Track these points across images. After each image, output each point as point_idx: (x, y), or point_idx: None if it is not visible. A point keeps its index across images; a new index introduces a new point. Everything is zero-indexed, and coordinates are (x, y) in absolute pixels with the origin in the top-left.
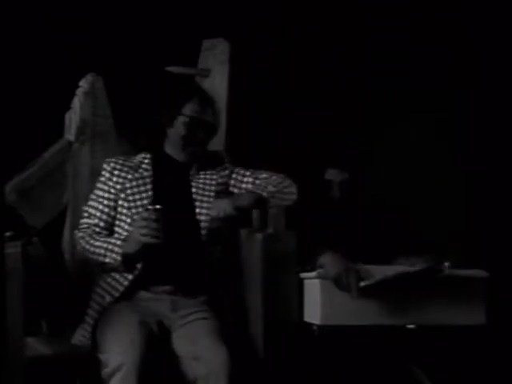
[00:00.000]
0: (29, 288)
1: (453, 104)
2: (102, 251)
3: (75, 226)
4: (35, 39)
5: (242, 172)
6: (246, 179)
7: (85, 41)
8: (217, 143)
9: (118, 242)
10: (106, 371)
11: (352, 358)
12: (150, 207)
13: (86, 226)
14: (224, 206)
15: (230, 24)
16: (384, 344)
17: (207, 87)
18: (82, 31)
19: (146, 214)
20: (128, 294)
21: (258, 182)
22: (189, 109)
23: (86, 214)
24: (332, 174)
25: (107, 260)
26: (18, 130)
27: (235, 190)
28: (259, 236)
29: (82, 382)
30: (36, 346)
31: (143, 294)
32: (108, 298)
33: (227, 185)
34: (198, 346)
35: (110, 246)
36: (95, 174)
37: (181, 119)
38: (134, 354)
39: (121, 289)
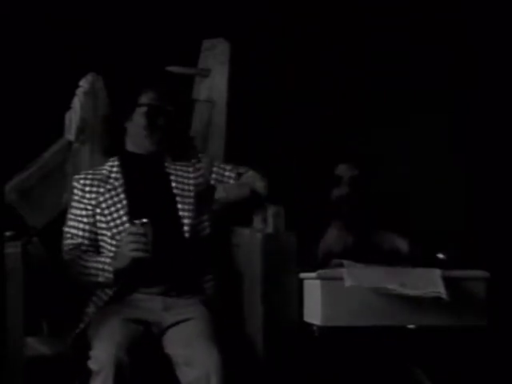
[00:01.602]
0: (29, 288)
1: (453, 104)
2: (94, 272)
3: None
4: (35, 39)
5: (222, 166)
6: (227, 173)
7: (85, 41)
8: (217, 143)
9: (107, 261)
10: (91, 367)
11: (352, 358)
12: (136, 221)
13: (71, 247)
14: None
15: (230, 24)
16: (384, 344)
17: (207, 87)
18: (82, 31)
19: (133, 229)
20: (119, 296)
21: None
22: (145, 98)
23: (68, 235)
24: (342, 170)
25: (100, 279)
26: (18, 130)
27: (217, 184)
28: (259, 236)
29: (82, 382)
30: (36, 346)
31: (134, 295)
32: (98, 302)
33: (206, 178)
34: (189, 348)
35: (100, 266)
36: None
37: (139, 110)
38: (110, 354)
39: (107, 295)
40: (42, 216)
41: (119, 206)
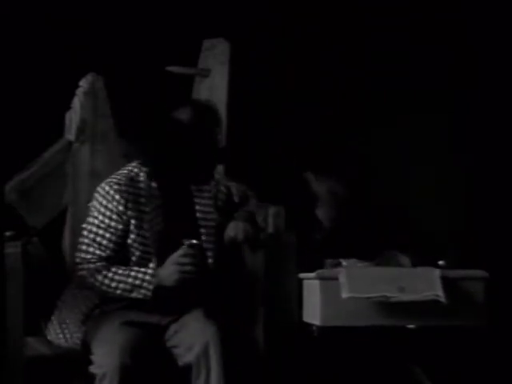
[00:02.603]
0: (29, 288)
1: (453, 104)
2: (129, 287)
3: (75, 226)
4: (35, 39)
5: (228, 185)
6: (231, 191)
7: (85, 41)
8: None
9: (147, 278)
10: (94, 372)
11: (352, 358)
12: (187, 243)
13: (96, 257)
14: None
15: (230, 24)
16: (384, 344)
17: (207, 87)
18: (82, 31)
19: (188, 251)
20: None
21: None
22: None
23: (95, 245)
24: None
25: (134, 295)
26: (18, 130)
27: (219, 203)
28: (259, 236)
29: (81, 382)
30: (36, 346)
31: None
32: (105, 308)
33: (215, 199)
34: (185, 333)
35: (138, 282)
36: (95, 174)
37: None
38: (114, 358)
39: (116, 305)
40: (42, 216)
41: (158, 227)
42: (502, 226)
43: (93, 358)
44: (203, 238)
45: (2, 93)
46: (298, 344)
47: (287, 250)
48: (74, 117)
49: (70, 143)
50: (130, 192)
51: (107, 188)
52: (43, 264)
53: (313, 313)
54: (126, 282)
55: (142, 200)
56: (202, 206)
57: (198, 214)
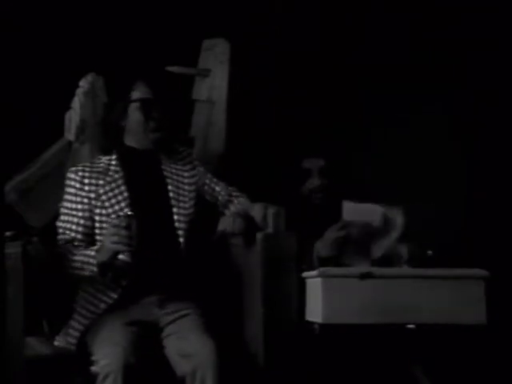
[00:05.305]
0: (29, 288)
1: (454, 104)
2: (79, 265)
3: None
4: (35, 39)
5: (215, 180)
6: (217, 188)
7: (85, 41)
8: (217, 143)
9: (93, 253)
10: (95, 372)
11: (352, 356)
12: (121, 214)
13: (63, 242)
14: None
15: (230, 24)
16: (384, 343)
17: (207, 87)
18: (82, 31)
19: (115, 221)
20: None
21: (238, 200)
22: (137, 93)
23: (60, 230)
24: (310, 163)
25: (86, 273)
26: (18, 130)
27: (207, 197)
28: (259, 236)
29: (82, 382)
30: (36, 346)
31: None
32: (101, 306)
33: (197, 186)
34: (185, 341)
35: (86, 259)
36: None
37: (133, 106)
38: (118, 358)
39: (109, 301)
40: (42, 216)
41: (120, 197)
42: (501, 225)
43: (94, 358)
44: (175, 217)
45: (2, 93)
46: (299, 342)
47: (287, 250)
48: (73, 117)
49: (70, 143)
50: (87, 170)
51: (67, 174)
52: (43, 264)
53: (315, 311)
54: (79, 261)
55: (99, 175)
56: (173, 181)
57: (169, 187)
